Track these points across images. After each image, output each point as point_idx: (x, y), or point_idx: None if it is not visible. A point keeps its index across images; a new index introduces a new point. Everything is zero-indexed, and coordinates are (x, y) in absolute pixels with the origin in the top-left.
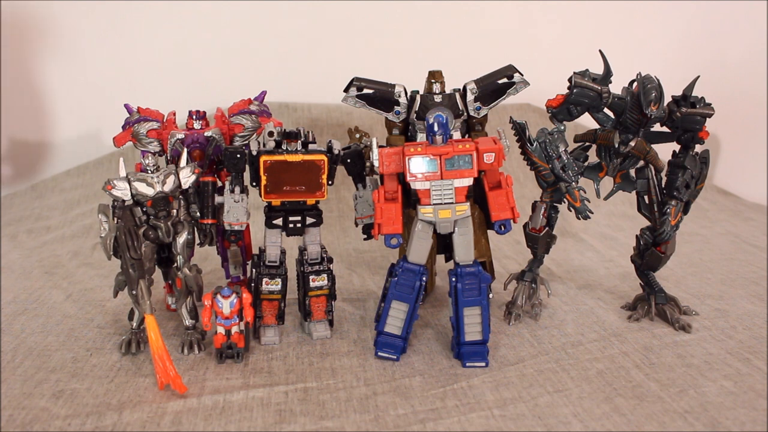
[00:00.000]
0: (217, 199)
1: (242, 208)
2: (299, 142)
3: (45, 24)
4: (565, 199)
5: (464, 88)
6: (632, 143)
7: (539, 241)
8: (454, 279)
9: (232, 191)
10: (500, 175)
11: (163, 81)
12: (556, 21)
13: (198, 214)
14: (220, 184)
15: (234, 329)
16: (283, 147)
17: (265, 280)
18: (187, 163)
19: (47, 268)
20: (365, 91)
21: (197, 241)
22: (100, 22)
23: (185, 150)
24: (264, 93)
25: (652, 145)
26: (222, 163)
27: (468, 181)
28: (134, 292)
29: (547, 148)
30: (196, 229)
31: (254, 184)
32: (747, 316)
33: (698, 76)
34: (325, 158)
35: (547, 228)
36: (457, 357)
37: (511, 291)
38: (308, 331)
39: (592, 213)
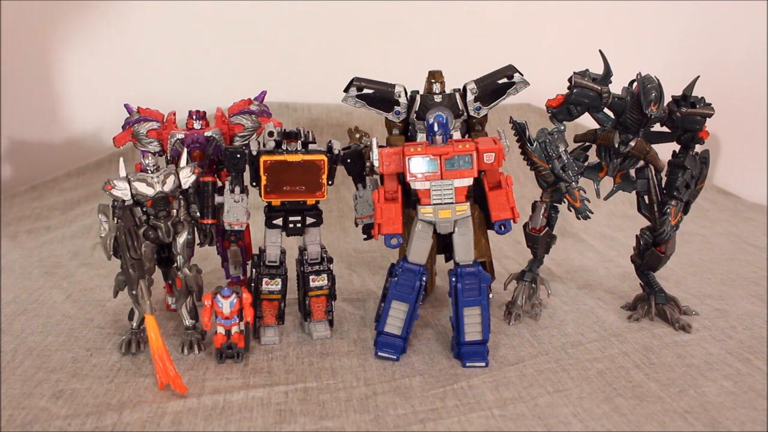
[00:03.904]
0: (217, 199)
1: (242, 208)
2: (299, 142)
3: (44, 24)
4: (565, 199)
5: (464, 88)
6: (632, 143)
7: (539, 241)
8: (454, 279)
9: (232, 191)
10: (500, 175)
11: (163, 81)
12: (556, 21)
13: (198, 214)
14: (220, 184)
15: (234, 329)
16: (283, 147)
17: (265, 280)
18: (187, 163)
19: (47, 268)
20: (365, 91)
21: (197, 241)
22: (100, 21)
23: (185, 150)
24: (264, 93)
25: (652, 145)
26: (222, 163)
27: (468, 181)
28: (134, 292)
29: (547, 148)
30: (196, 229)
31: (254, 184)
32: (747, 316)
33: (698, 76)
34: (325, 158)
35: (547, 228)
36: (457, 357)
37: (511, 291)
38: (308, 331)
39: (592, 213)
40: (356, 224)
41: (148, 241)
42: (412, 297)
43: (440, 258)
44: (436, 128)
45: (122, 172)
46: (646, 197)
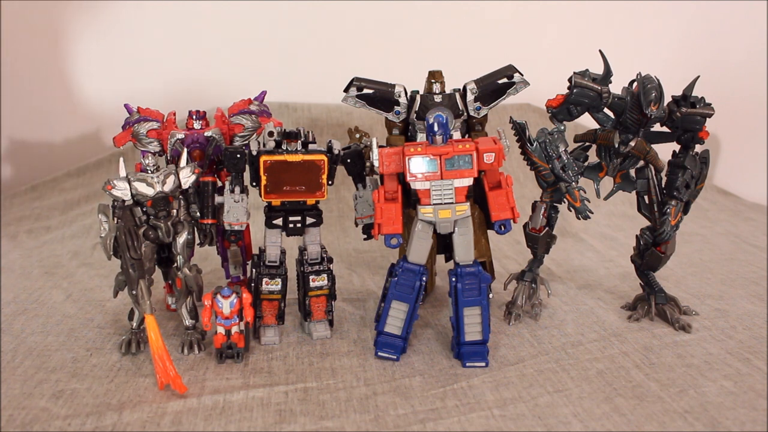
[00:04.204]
0: (217, 199)
1: (242, 208)
2: (299, 142)
3: (45, 24)
4: (565, 199)
5: (464, 88)
6: (632, 143)
7: (539, 241)
8: (454, 279)
9: (232, 191)
10: (500, 175)
11: (164, 81)
12: (556, 21)
13: (198, 214)
14: (220, 184)
15: (234, 329)
16: (283, 147)
17: (265, 280)
18: (187, 163)
19: (47, 268)
20: (365, 91)
21: (197, 241)
22: (101, 21)
23: (185, 150)
24: (264, 93)
25: (652, 145)
26: (222, 163)
27: (468, 181)
28: (134, 292)
29: (547, 148)
30: (196, 229)
31: (254, 184)
32: (747, 316)
33: (698, 76)
34: (325, 158)
35: (547, 228)
36: (457, 357)
37: (511, 291)
38: (308, 331)
39: (592, 213)
40: (356, 224)
41: (148, 241)
42: (412, 297)
43: (440, 258)
44: (436, 128)
45: (122, 172)
46: (646, 197)
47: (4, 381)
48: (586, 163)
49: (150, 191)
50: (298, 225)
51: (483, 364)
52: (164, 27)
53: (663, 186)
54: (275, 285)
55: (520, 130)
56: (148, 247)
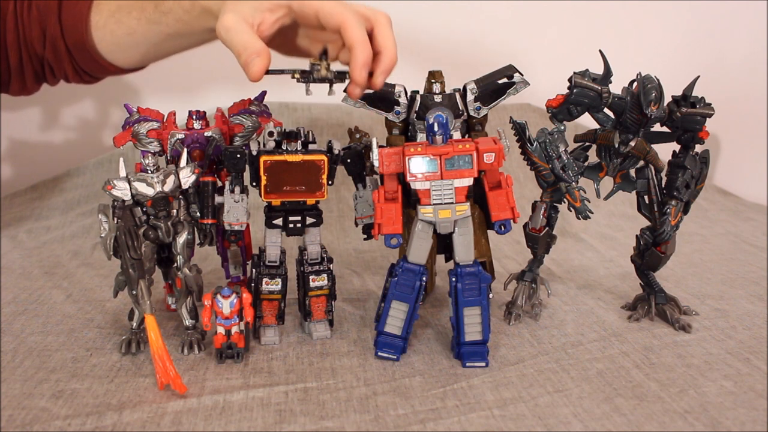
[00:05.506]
0: (217, 199)
1: (242, 208)
2: (299, 142)
3: None
4: (565, 199)
5: (464, 88)
6: (632, 143)
7: (539, 241)
8: (454, 279)
9: (232, 191)
10: (500, 175)
11: (164, 81)
12: (556, 21)
13: (198, 214)
14: (220, 184)
15: (234, 329)
16: (283, 147)
17: (265, 280)
18: (187, 163)
19: (47, 268)
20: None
21: (197, 241)
22: None
23: (185, 150)
24: (264, 93)
25: (652, 145)
26: (222, 163)
27: (468, 181)
28: (134, 292)
29: (547, 148)
30: (196, 229)
31: (254, 184)
32: (747, 316)
33: (698, 76)
34: (325, 158)
35: (547, 228)
36: (457, 357)
37: (511, 291)
38: (308, 331)
39: (592, 213)
40: (356, 224)
41: (148, 241)
42: (412, 297)
43: (440, 258)
44: (436, 128)
45: (122, 172)
46: (646, 197)
47: (4, 381)
48: (586, 163)
49: (150, 191)
50: (298, 225)
51: (483, 364)
52: None
53: (663, 186)
54: (275, 285)
55: (520, 130)
56: (148, 247)
